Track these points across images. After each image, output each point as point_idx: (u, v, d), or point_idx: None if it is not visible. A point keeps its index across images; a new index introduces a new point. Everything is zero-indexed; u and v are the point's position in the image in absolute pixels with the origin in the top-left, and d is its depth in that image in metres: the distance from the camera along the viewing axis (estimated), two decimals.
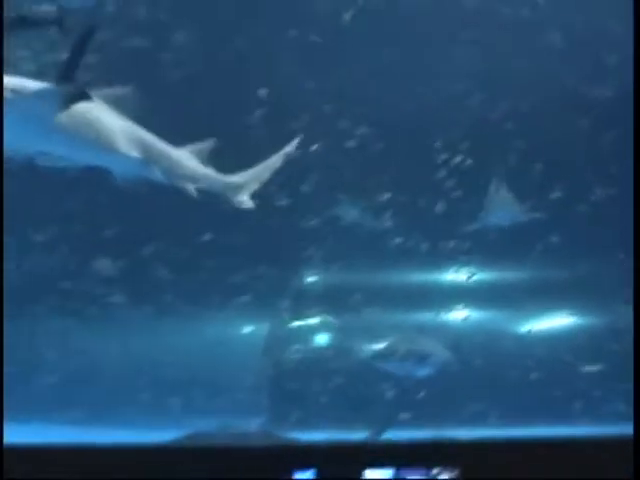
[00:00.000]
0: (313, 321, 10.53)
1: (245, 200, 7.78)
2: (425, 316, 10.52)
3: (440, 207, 10.61)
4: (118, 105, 6.76)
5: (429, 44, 10.79)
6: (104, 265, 10.52)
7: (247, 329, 10.81)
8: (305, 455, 4.60)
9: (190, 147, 7.52)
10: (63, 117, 6.30)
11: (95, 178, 8.05)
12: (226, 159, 7.66)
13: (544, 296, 10.59)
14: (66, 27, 6.87)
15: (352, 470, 4.49)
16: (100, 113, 6.65)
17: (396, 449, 4.71)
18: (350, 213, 10.82)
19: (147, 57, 10.36)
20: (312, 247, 10.80)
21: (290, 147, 8.06)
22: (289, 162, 10.02)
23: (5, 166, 6.86)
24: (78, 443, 4.88)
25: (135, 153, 6.88)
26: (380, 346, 9.20)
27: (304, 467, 4.49)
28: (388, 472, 4.50)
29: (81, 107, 6.35)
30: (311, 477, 4.48)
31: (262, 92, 10.47)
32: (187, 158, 7.44)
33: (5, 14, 6.69)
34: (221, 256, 10.54)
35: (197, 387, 10.20)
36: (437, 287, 11.00)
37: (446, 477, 4.50)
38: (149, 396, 10.16)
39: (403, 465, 4.50)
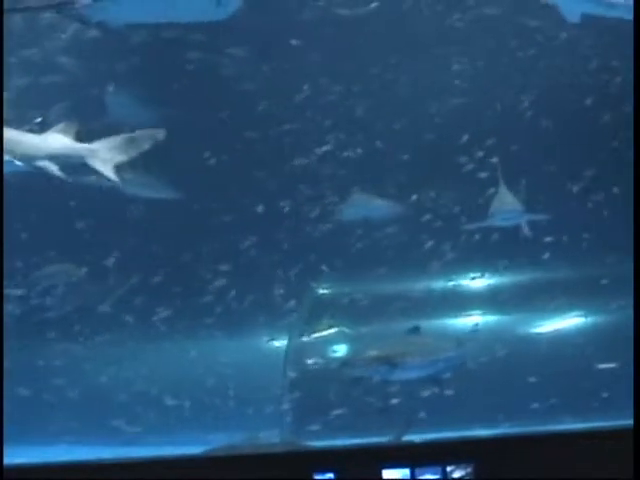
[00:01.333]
0: (329, 332, 10.62)
1: (109, 171, 7.98)
2: (439, 322, 10.62)
3: (447, 209, 10.73)
4: None
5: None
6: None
7: (265, 342, 10.96)
8: (324, 458, 4.74)
9: (58, 127, 7.76)
10: None
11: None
12: None
13: (555, 296, 10.66)
14: None
15: (370, 471, 4.63)
16: None
17: (411, 449, 4.85)
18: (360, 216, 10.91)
19: None
20: (325, 256, 10.95)
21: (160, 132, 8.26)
22: (304, 166, 10.40)
23: None
24: (105, 459, 5.05)
25: None
26: (348, 355, 9.27)
27: (324, 470, 4.63)
28: (405, 471, 4.63)
29: None
30: (331, 479, 4.63)
31: None
32: (52, 139, 7.65)
33: None
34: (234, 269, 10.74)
35: (216, 404, 10.31)
36: (450, 292, 11.08)
37: (461, 473, 4.63)
38: (170, 412, 10.30)
39: (418, 464, 4.64)
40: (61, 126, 8.07)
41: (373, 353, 8.81)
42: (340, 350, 10.60)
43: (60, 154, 8.04)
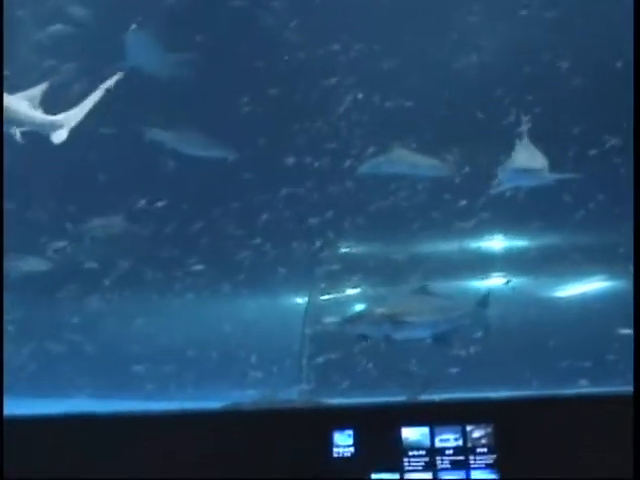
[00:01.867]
0: (350, 291, 10.63)
1: (63, 135, 8.07)
2: (459, 284, 10.61)
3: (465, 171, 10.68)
4: None
5: None
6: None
7: (286, 301, 10.98)
8: (343, 415, 4.77)
9: (21, 94, 7.83)
10: None
11: None
12: None
13: (578, 260, 10.62)
14: None
15: (389, 429, 4.65)
16: None
17: (431, 408, 4.87)
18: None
19: None
20: (347, 216, 10.94)
21: (110, 82, 8.27)
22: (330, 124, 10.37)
23: None
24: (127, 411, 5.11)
25: None
26: (352, 312, 9.28)
27: (343, 427, 4.65)
28: (424, 430, 4.65)
29: None
30: (350, 436, 4.65)
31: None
32: (15, 104, 7.73)
33: None
34: (255, 230, 10.76)
35: (237, 360, 10.36)
36: (472, 255, 11.06)
37: (480, 434, 4.65)
38: (190, 370, 10.37)
39: (438, 423, 4.65)
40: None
41: (376, 311, 8.80)
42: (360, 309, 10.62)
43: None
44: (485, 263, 11.02)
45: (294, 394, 9.85)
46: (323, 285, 10.80)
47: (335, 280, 10.81)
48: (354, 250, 11.37)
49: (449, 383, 9.15)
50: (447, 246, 11.13)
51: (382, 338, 8.82)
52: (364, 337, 8.77)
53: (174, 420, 4.92)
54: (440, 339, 9.01)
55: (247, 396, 8.85)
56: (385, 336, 8.80)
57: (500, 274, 10.90)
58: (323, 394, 9.37)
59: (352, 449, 4.63)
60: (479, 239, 11.18)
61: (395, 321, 8.68)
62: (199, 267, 10.65)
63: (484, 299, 9.33)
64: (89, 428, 4.79)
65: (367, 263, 11.04)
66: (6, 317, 9.68)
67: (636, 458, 4.21)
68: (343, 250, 11.32)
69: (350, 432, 4.65)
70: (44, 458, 4.70)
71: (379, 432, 4.65)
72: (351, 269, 10.94)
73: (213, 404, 6.94)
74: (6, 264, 10.07)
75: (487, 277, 10.79)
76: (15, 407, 5.09)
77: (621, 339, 9.40)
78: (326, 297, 10.70)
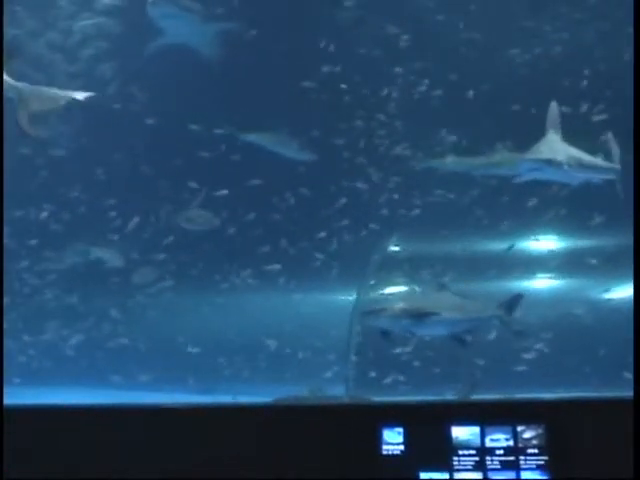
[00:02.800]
0: (398, 289, 10.60)
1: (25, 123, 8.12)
2: (504, 284, 10.53)
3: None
4: None
5: None
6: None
7: (335, 297, 10.99)
8: (393, 413, 4.74)
9: None
10: None
11: None
12: None
13: (619, 262, 10.48)
14: None
15: (439, 427, 4.62)
16: None
17: (482, 407, 4.82)
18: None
19: None
20: (396, 215, 10.91)
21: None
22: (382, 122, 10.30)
23: None
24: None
25: None
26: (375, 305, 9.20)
27: (392, 424, 4.64)
28: (474, 429, 4.62)
29: None
30: (399, 434, 4.63)
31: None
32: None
33: None
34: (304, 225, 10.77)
35: (287, 357, 10.39)
36: (517, 255, 10.96)
37: (531, 434, 4.60)
38: (238, 365, 10.42)
39: (489, 423, 4.62)
40: None
41: (396, 305, 8.73)
42: None
43: None
44: (535, 263, 10.92)
45: (340, 391, 9.85)
46: (372, 282, 10.78)
47: (383, 278, 10.79)
48: (404, 247, 11.35)
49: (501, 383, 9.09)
50: (485, 246, 11.06)
51: (403, 333, 8.80)
52: (386, 333, 8.73)
53: (221, 414, 4.93)
54: (457, 338, 8.94)
55: (295, 391, 8.84)
56: (406, 332, 8.78)
57: (546, 275, 10.81)
58: (368, 391, 9.36)
59: (402, 447, 4.60)
60: (531, 238, 11.08)
61: (413, 316, 8.64)
62: (276, 266, 10.71)
63: (511, 301, 9.18)
64: (136, 419, 4.83)
65: (414, 262, 11.02)
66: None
67: (636, 458, 4.14)
68: (393, 248, 11.30)
69: (400, 430, 4.63)
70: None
71: (429, 430, 4.62)
72: (400, 266, 10.92)
73: (263, 399, 7.00)
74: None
75: (532, 278, 10.70)
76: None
77: None
78: (374, 294, 10.69)
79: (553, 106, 9.31)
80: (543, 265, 10.88)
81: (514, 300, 9.18)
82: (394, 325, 8.68)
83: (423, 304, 8.84)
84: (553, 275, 10.78)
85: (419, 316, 8.65)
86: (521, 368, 9.57)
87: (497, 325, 9.27)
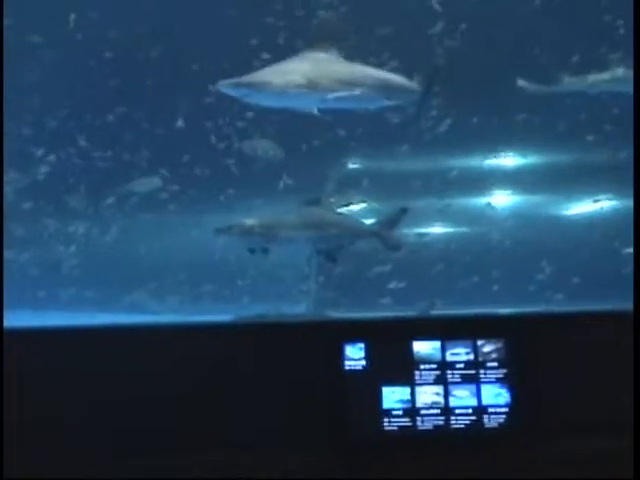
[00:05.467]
0: (359, 207, 10.58)
1: None
2: (468, 201, 10.58)
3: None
4: None
5: None
6: None
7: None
8: (355, 329, 4.77)
9: None
10: None
11: None
12: None
13: (586, 180, 10.56)
14: None
15: (400, 342, 4.65)
16: None
17: (443, 322, 4.87)
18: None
19: None
20: (355, 134, 10.84)
21: None
22: None
23: None
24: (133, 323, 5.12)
25: None
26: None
27: (354, 340, 4.66)
28: (435, 344, 4.66)
29: None
30: (360, 349, 4.66)
31: None
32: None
33: None
34: None
35: (244, 276, 10.39)
36: (478, 172, 11.00)
37: (491, 348, 4.66)
38: (196, 285, 10.42)
39: (450, 337, 4.66)
40: None
41: (246, 223, 8.61)
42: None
43: None
44: (495, 183, 10.97)
45: (301, 310, 9.90)
46: (332, 200, 10.76)
47: (343, 196, 10.77)
48: (360, 166, 11.33)
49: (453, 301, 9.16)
50: (447, 163, 11.06)
51: (259, 250, 8.63)
52: (251, 250, 8.60)
53: (182, 332, 4.92)
54: (324, 254, 8.91)
55: (253, 310, 8.87)
56: (261, 248, 8.61)
57: (505, 192, 10.87)
58: (330, 309, 9.43)
59: (363, 362, 4.64)
60: (490, 159, 11.11)
61: (261, 234, 8.56)
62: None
63: (393, 217, 9.11)
64: (96, 340, 4.80)
65: (372, 179, 11.00)
66: None
67: (636, 457, 4.18)
68: (350, 167, 11.28)
69: (361, 345, 4.66)
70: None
71: (390, 345, 4.66)
72: (358, 185, 10.90)
73: (222, 318, 7.00)
74: None
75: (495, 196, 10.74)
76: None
77: (626, 258, 9.41)
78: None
79: None
80: (503, 182, 10.94)
81: (397, 215, 9.10)
82: (247, 243, 8.58)
83: (275, 221, 8.70)
84: (512, 192, 10.86)
85: (264, 234, 8.54)
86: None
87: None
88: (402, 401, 4.62)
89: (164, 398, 4.62)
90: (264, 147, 10.51)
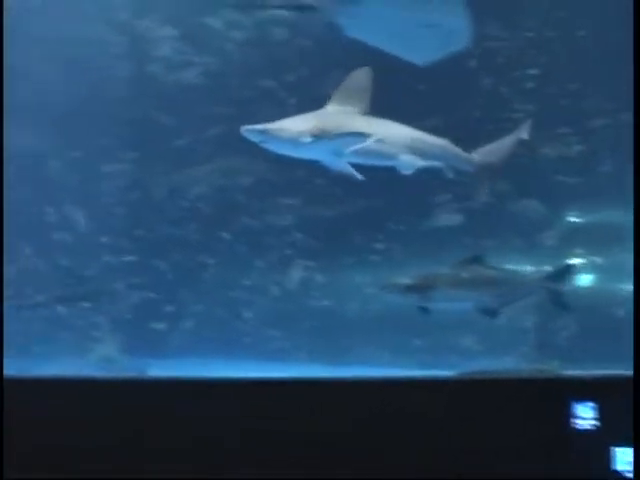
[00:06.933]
0: (578, 261, 10.40)
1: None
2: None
3: None
4: None
5: None
6: None
7: None
8: (584, 388, 4.68)
9: None
10: None
11: None
12: None
13: None
14: None
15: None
16: None
17: None
18: None
19: None
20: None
21: None
22: None
23: None
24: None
25: None
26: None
27: (583, 399, 4.58)
28: None
29: None
30: (591, 409, 4.58)
31: None
32: None
33: None
34: None
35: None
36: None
37: None
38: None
39: None
40: None
41: (404, 281, 8.62)
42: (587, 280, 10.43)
43: None
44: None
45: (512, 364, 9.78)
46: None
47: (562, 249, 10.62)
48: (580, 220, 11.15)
49: None
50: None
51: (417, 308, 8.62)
52: (423, 309, 8.60)
53: (406, 386, 4.95)
54: (485, 311, 8.73)
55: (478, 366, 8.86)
56: (419, 307, 8.59)
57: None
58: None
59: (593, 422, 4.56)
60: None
61: (420, 292, 8.49)
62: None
63: (557, 273, 8.91)
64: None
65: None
66: None
67: (636, 457, 4.08)
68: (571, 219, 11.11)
69: (591, 405, 4.58)
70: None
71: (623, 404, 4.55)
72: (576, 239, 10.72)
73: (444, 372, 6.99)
74: None
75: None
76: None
77: None
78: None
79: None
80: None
81: (565, 270, 8.96)
82: (407, 300, 8.63)
83: (434, 279, 8.67)
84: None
85: (423, 292, 8.52)
86: None
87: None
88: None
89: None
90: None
